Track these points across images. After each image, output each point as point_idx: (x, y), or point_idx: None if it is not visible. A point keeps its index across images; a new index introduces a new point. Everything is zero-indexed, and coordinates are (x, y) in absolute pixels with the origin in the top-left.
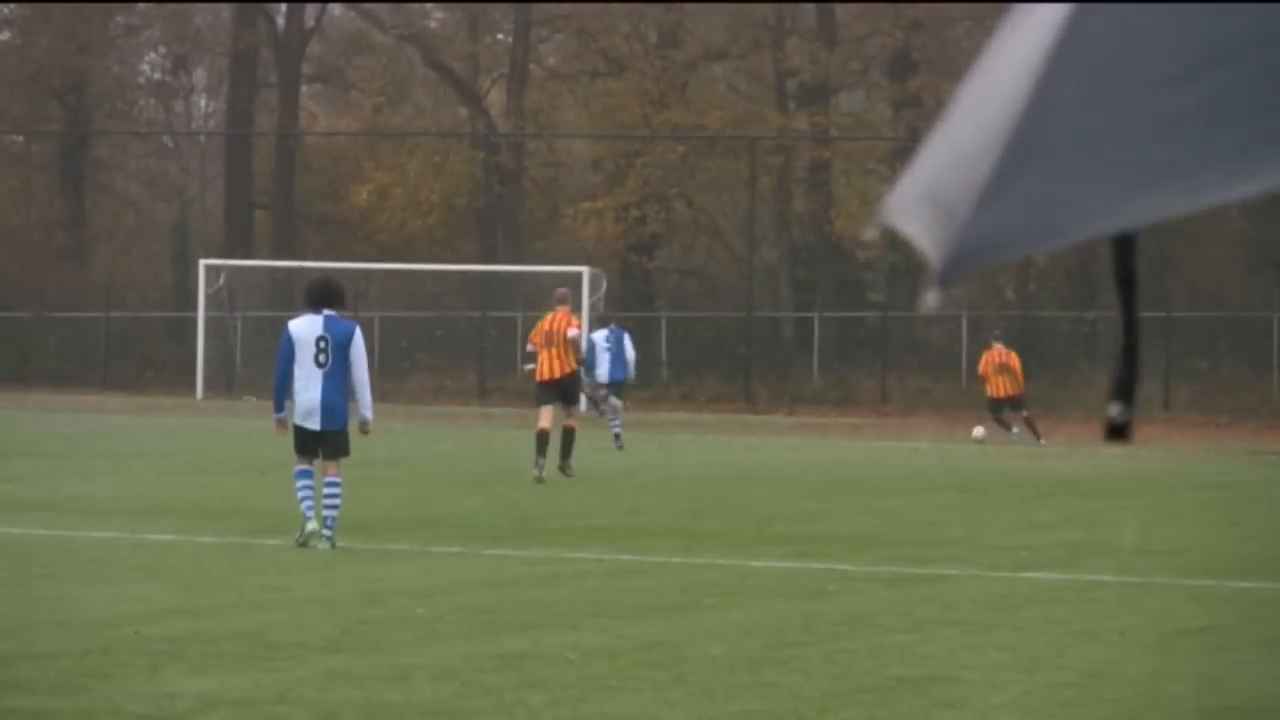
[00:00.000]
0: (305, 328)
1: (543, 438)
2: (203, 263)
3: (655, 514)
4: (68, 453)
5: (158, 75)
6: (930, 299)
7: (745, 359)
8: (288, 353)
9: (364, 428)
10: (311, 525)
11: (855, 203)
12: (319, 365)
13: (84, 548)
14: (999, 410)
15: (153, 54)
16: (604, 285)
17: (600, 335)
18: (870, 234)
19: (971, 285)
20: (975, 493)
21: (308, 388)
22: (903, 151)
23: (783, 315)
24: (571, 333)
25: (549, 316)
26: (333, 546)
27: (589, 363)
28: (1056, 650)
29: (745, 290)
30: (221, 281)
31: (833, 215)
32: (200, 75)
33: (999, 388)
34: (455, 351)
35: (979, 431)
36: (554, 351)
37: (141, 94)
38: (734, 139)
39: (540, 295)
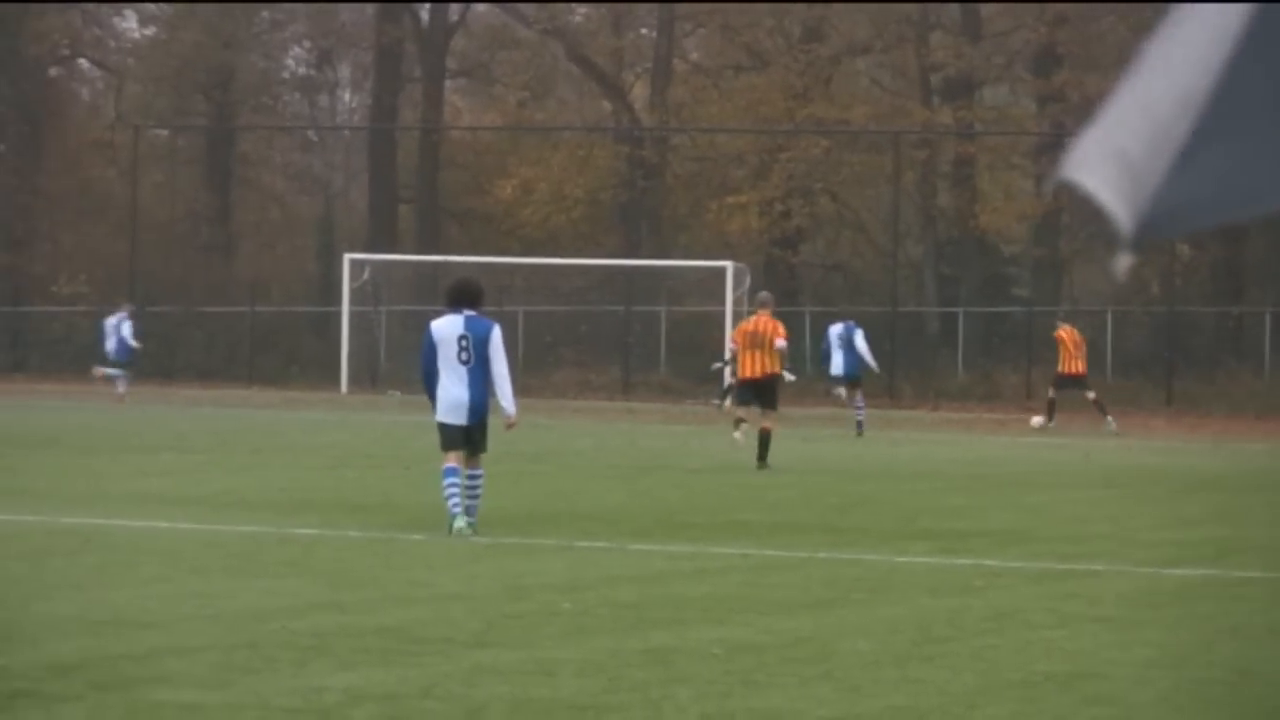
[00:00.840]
0: (446, 327)
1: (741, 423)
2: (347, 257)
3: (800, 509)
4: (214, 447)
5: (302, 70)
6: (1121, 263)
7: (890, 354)
8: (430, 353)
9: (508, 422)
10: (459, 524)
11: (999, 198)
12: (462, 363)
13: (231, 542)
14: (1066, 388)
15: (297, 49)
16: (748, 280)
17: (834, 330)
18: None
19: (1116, 280)
20: (1121, 488)
21: (452, 385)
22: (1048, 147)
23: (927, 310)
24: (779, 344)
25: (752, 319)
26: (474, 531)
27: (823, 356)
28: (1203, 647)
29: (889, 285)
30: (366, 276)
31: (977, 210)
32: (345, 70)
33: (1076, 365)
34: (599, 346)
35: (1038, 421)
36: (757, 353)
37: (286, 89)
38: (878, 134)
39: (684, 290)
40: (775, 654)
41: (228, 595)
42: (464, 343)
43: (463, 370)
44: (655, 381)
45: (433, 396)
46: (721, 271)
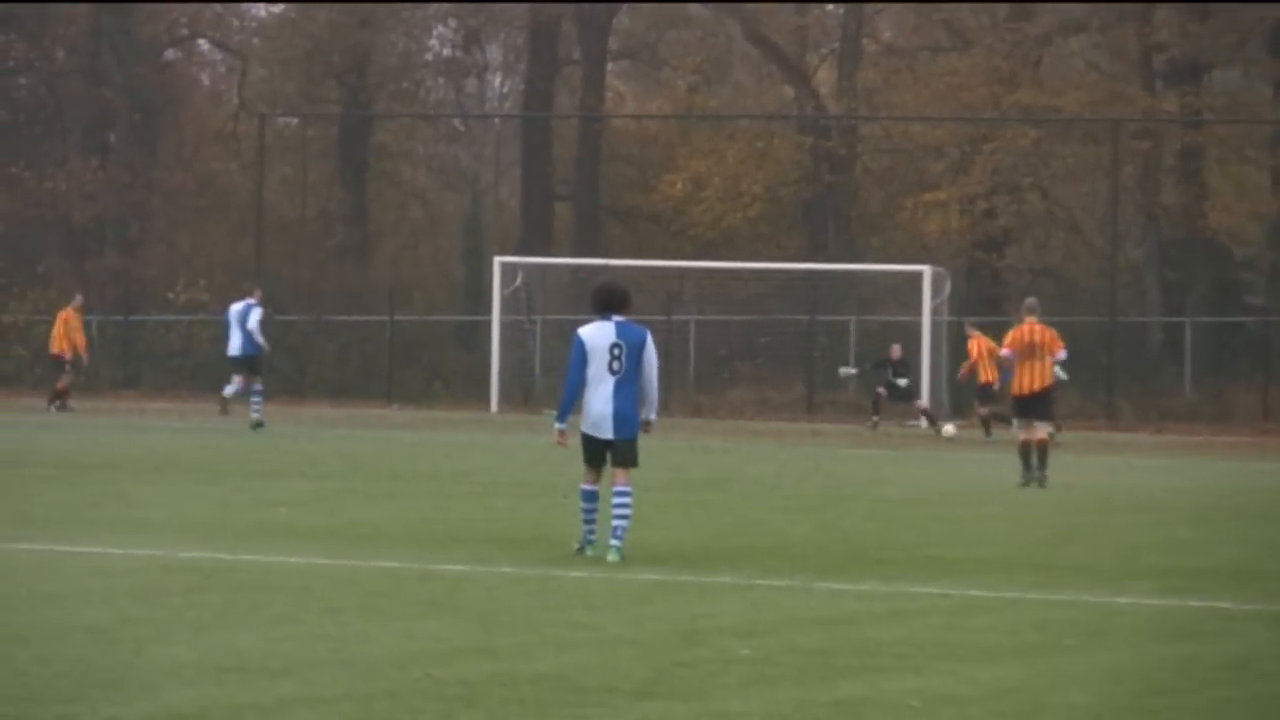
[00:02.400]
0: (598, 335)
1: (1025, 449)
2: (498, 260)
3: (1007, 544)
4: (349, 473)
5: (447, 51)
6: None
7: (1107, 369)
8: (580, 361)
9: (646, 427)
10: (588, 551)
11: (1231, 193)
12: (613, 373)
13: (368, 579)
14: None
15: (442, 27)
16: (948, 286)
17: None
18: None
19: None
20: None
21: (600, 395)
22: None
23: (1149, 320)
24: (1061, 355)
25: (1025, 327)
26: (621, 558)
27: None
28: None
29: (1107, 292)
30: (519, 281)
31: (1206, 208)
32: (495, 51)
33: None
34: (780, 360)
35: (949, 429)
36: (1034, 365)
37: (429, 72)
38: (1094, 122)
39: (876, 297)
40: (978, 707)
41: (364, 639)
42: (617, 351)
43: (611, 381)
44: (843, 400)
45: (568, 408)
46: (918, 276)
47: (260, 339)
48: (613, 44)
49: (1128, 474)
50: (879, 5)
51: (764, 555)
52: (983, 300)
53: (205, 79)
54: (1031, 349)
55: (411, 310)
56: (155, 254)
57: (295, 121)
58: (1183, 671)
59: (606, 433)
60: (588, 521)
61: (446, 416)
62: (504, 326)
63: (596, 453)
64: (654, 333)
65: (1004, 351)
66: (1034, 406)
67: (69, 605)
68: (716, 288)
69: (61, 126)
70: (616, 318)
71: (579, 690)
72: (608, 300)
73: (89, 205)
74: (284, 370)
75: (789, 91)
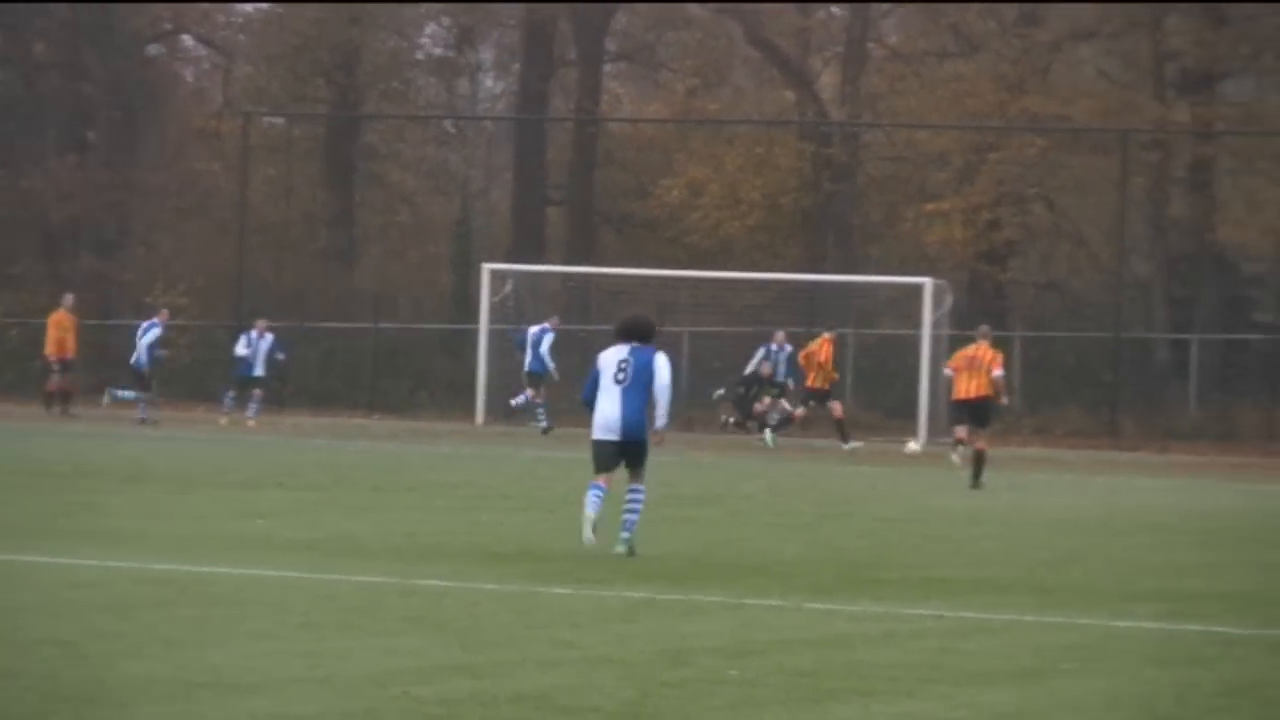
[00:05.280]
0: (611, 354)
1: (961, 443)
2: (487, 267)
3: (1004, 565)
4: (328, 484)
5: (439, 50)
6: None
7: (1111, 387)
8: (594, 380)
9: (656, 436)
10: (587, 533)
11: (1242, 207)
12: (618, 382)
13: (347, 594)
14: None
15: (434, 25)
16: (949, 299)
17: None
18: None
19: None
20: None
21: (608, 403)
22: None
23: (1155, 336)
24: (997, 373)
25: (973, 346)
26: (629, 550)
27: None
28: None
29: (1113, 307)
30: (508, 289)
31: (1216, 222)
32: (488, 51)
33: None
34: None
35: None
36: (973, 375)
37: (420, 72)
38: (1103, 132)
39: (876, 309)
40: None
41: (343, 655)
42: (624, 365)
43: (617, 390)
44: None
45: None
46: (919, 289)
47: (279, 355)
48: (610, 45)
49: (1130, 494)
50: (885, 7)
51: (754, 574)
52: (985, 314)
53: (189, 76)
54: (972, 362)
55: (397, 317)
56: (133, 257)
57: (281, 121)
58: (1182, 698)
59: (615, 435)
60: (590, 506)
61: (430, 427)
62: (492, 336)
63: (606, 457)
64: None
65: (946, 370)
66: (974, 413)
67: (38, 618)
68: (711, 298)
69: (39, 123)
70: (635, 344)
71: (562, 710)
72: (631, 330)
73: (66, 205)
74: (265, 378)
75: (790, 96)
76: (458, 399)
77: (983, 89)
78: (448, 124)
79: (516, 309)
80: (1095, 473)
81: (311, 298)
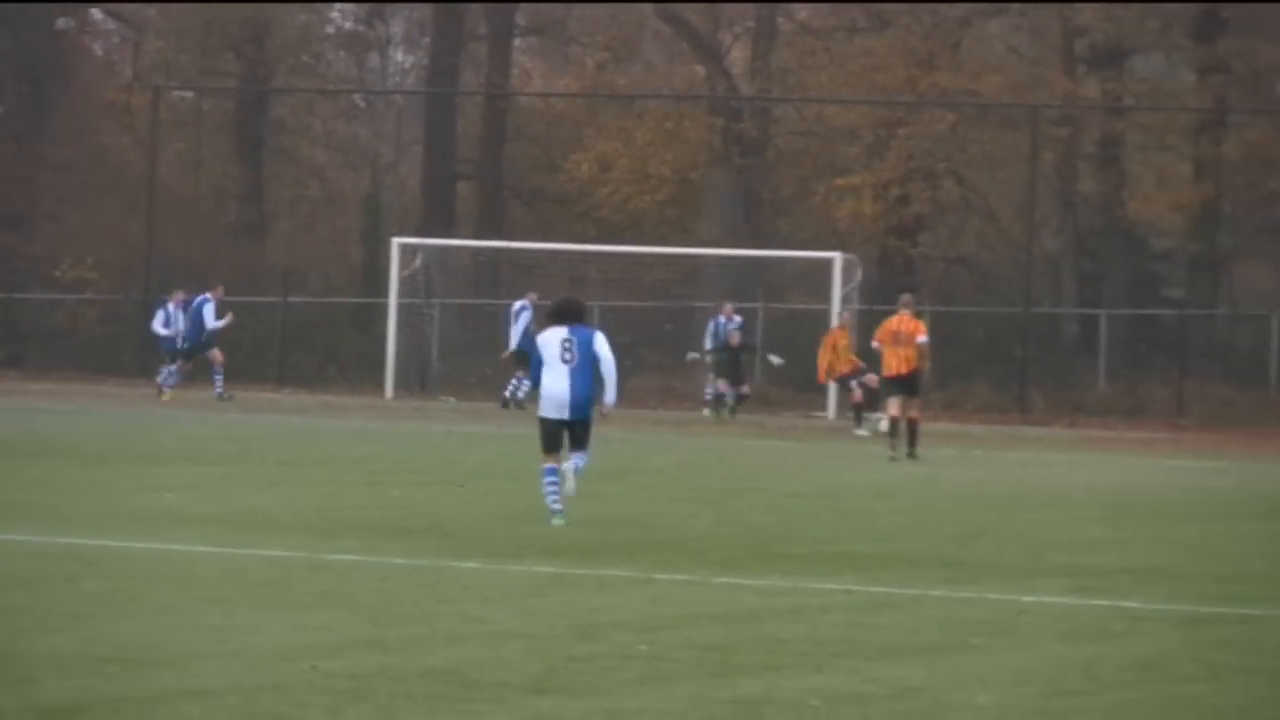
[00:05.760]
0: (552, 334)
1: (895, 424)
2: (396, 241)
3: (913, 540)
4: (238, 458)
5: (349, 24)
6: None
7: (1020, 362)
8: (537, 361)
9: (603, 410)
10: (557, 521)
11: (1152, 183)
12: (565, 361)
13: (256, 569)
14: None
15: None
16: (859, 274)
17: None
18: None
19: None
20: None
21: (554, 381)
22: (1208, 124)
23: (1064, 312)
24: (921, 339)
25: (895, 318)
26: (575, 477)
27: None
28: None
29: (1022, 283)
30: (418, 263)
31: (1125, 197)
32: (397, 25)
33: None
34: (685, 348)
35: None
36: (900, 351)
37: (330, 46)
38: (1013, 107)
39: (786, 284)
40: (881, 706)
41: (251, 630)
42: (567, 344)
43: (564, 368)
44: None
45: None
46: (829, 263)
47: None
48: (520, 19)
49: (1039, 469)
50: None
51: (663, 549)
52: (895, 289)
53: (98, 49)
54: (897, 336)
55: (306, 291)
56: (42, 231)
57: (190, 95)
58: (1089, 672)
59: (562, 414)
60: (550, 494)
61: (340, 402)
62: (401, 310)
63: (553, 436)
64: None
65: (874, 343)
66: (904, 386)
67: None
68: (622, 273)
69: None
70: (573, 324)
71: (470, 685)
72: (565, 312)
73: None
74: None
75: (700, 71)
76: (368, 373)
77: (893, 64)
78: (357, 98)
79: (426, 283)
80: (1004, 448)
81: (221, 272)
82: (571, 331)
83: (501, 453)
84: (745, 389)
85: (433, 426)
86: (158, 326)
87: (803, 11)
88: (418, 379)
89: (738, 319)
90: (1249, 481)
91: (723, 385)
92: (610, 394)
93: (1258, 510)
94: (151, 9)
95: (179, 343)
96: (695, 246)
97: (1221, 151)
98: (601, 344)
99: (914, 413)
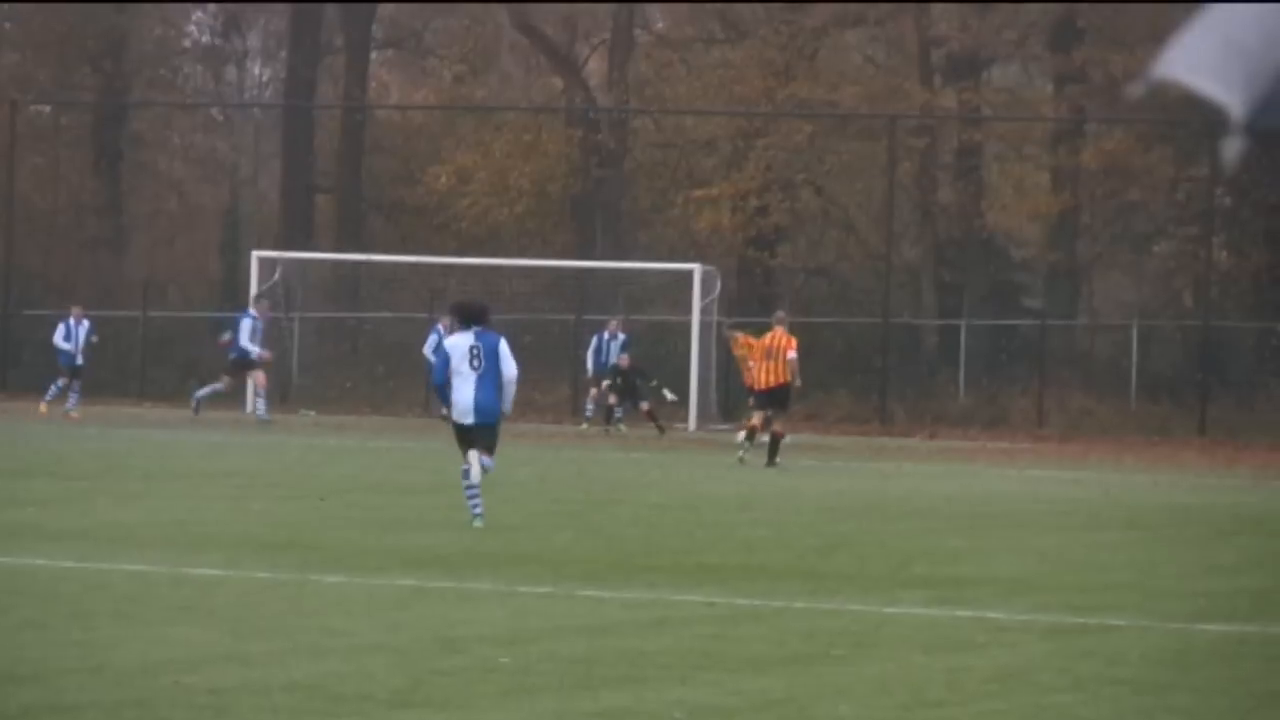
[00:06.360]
0: (459, 340)
1: (753, 432)
2: (255, 254)
3: (775, 551)
4: (99, 473)
5: (206, 38)
6: (1231, 148)
7: (880, 372)
8: (444, 363)
9: (502, 416)
10: (477, 524)
11: (1010, 192)
12: (473, 369)
13: (119, 583)
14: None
15: (200, 13)
16: (718, 285)
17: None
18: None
19: (1143, 290)
20: (1145, 530)
21: (464, 389)
22: (1065, 134)
23: (924, 322)
24: (791, 355)
25: (770, 334)
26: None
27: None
28: (1239, 715)
29: (881, 293)
30: (277, 276)
31: (983, 207)
32: (254, 39)
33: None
34: (546, 360)
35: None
36: (770, 364)
37: (187, 59)
38: (870, 118)
39: (645, 296)
40: (744, 718)
41: (114, 645)
42: (475, 351)
43: (472, 376)
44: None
45: (447, 401)
46: (688, 275)
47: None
48: (377, 32)
49: (899, 480)
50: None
51: (526, 561)
52: (755, 300)
53: None
54: (770, 351)
55: (166, 306)
56: None
57: (47, 109)
58: (953, 683)
59: (469, 419)
60: (471, 499)
61: (200, 416)
62: None
63: (464, 436)
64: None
65: (748, 360)
66: (772, 400)
67: None
68: (482, 285)
69: None
70: (476, 328)
71: (334, 698)
72: (467, 314)
73: None
74: (32, 365)
75: (558, 83)
76: None
77: (750, 75)
78: (215, 112)
79: (286, 297)
80: (865, 459)
81: (80, 286)
82: (478, 338)
83: (363, 466)
84: (646, 405)
85: (294, 440)
86: (59, 340)
87: (660, 23)
88: (278, 393)
89: (622, 336)
90: (1110, 491)
91: (613, 399)
92: (507, 404)
93: (1119, 520)
94: (5, 23)
95: (77, 358)
96: (555, 259)
97: (1079, 161)
98: (506, 355)
99: (778, 426)
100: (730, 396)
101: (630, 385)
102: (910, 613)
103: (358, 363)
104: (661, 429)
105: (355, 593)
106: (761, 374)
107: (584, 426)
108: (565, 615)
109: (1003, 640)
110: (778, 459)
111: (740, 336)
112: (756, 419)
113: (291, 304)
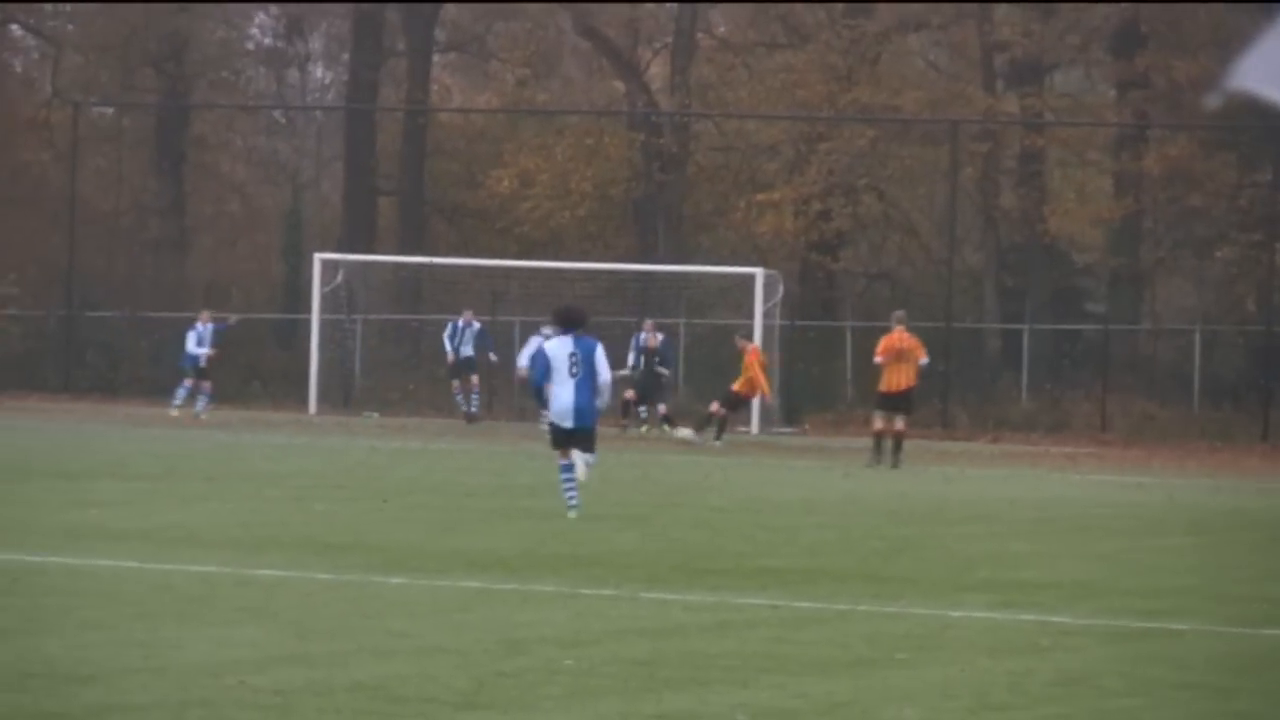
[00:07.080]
0: (558, 346)
1: (880, 436)
2: (318, 257)
3: (839, 555)
4: (163, 474)
5: (269, 40)
6: None
7: (943, 377)
8: (544, 368)
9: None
10: (572, 514)
11: (1072, 197)
12: (571, 375)
13: (182, 584)
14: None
15: (263, 15)
16: (780, 290)
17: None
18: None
19: (1205, 295)
20: (1209, 535)
21: (562, 393)
22: (1128, 139)
23: (987, 327)
24: (924, 361)
25: (894, 334)
26: (587, 465)
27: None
28: None
29: (944, 298)
30: (339, 279)
31: (1046, 212)
32: (317, 41)
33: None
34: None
35: (686, 432)
36: (901, 367)
37: (250, 62)
38: (933, 123)
39: (707, 300)
40: None
41: (178, 645)
42: (574, 358)
43: (571, 382)
44: (674, 404)
45: (544, 404)
46: (750, 279)
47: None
48: (440, 35)
49: (963, 484)
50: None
51: (589, 564)
52: (817, 304)
53: (17, 65)
54: (899, 354)
55: (229, 308)
56: None
57: (110, 111)
58: (1016, 687)
59: (568, 421)
60: (567, 491)
61: (264, 417)
62: (324, 326)
63: (562, 438)
64: (484, 333)
65: (877, 358)
66: (898, 403)
67: None
68: (543, 288)
69: None
70: (574, 333)
71: (397, 700)
72: (567, 319)
73: None
74: (96, 368)
75: (620, 87)
76: (291, 389)
77: (812, 80)
78: (277, 114)
79: (348, 299)
80: (928, 462)
81: (143, 287)
82: (577, 345)
83: (425, 468)
84: (664, 408)
85: (357, 442)
86: (191, 346)
87: (722, 27)
88: (341, 395)
89: (660, 336)
90: (1173, 496)
91: (629, 394)
92: (601, 403)
93: (1182, 525)
94: (68, 25)
95: (203, 361)
96: (616, 262)
97: (1142, 166)
98: (603, 360)
99: (901, 425)
100: (792, 400)
101: (651, 378)
102: (974, 616)
103: (420, 365)
104: (673, 427)
105: (418, 594)
106: (891, 375)
107: (644, 429)
108: (628, 617)
109: (1066, 644)
110: (901, 456)
111: (752, 347)
112: (880, 421)
113: (354, 306)
